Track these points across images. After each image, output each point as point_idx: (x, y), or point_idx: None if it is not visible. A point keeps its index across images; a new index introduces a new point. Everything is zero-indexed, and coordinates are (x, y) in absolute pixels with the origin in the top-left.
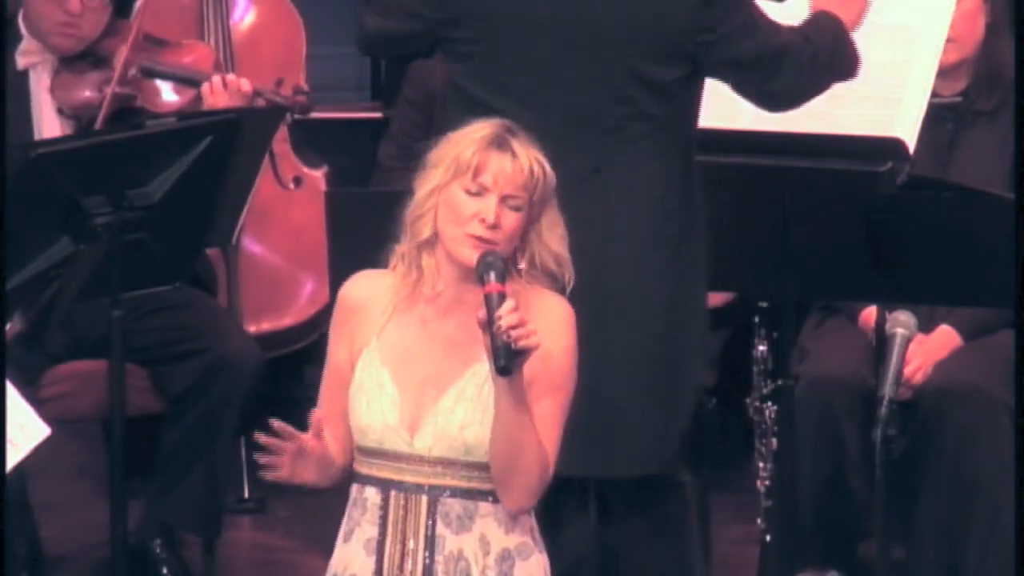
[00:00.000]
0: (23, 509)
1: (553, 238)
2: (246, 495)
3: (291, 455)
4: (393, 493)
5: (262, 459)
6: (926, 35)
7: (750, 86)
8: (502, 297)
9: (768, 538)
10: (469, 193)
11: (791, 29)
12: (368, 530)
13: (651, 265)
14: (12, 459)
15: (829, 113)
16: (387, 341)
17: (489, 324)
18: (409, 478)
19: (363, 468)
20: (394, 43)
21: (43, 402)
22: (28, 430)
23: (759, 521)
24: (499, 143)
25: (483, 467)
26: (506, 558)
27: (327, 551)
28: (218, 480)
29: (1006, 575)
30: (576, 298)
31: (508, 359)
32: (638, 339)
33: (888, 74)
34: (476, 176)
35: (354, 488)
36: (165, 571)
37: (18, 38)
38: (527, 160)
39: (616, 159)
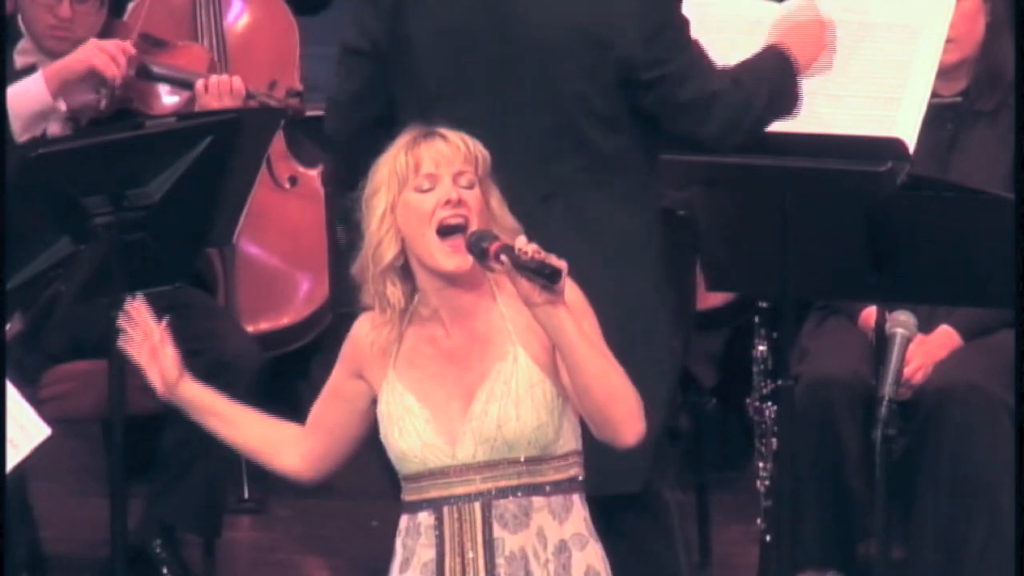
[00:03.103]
0: (23, 509)
1: (504, 213)
2: (246, 495)
3: (148, 341)
4: (446, 509)
5: (122, 321)
6: (926, 35)
7: (680, 128)
8: (509, 246)
9: (768, 538)
10: (422, 191)
11: (725, 74)
12: (425, 554)
13: (604, 285)
14: (12, 459)
15: (829, 113)
16: (403, 369)
17: (516, 262)
18: (459, 490)
19: (412, 495)
20: (358, 104)
21: (43, 402)
22: (28, 430)
23: (759, 521)
24: (424, 135)
25: (530, 461)
26: (563, 550)
27: (327, 551)
28: (218, 480)
29: (1006, 575)
30: None
31: (552, 269)
32: None
33: (888, 74)
34: (419, 171)
35: (404, 519)
36: (165, 571)
37: (18, 37)
38: (457, 138)
39: (565, 186)
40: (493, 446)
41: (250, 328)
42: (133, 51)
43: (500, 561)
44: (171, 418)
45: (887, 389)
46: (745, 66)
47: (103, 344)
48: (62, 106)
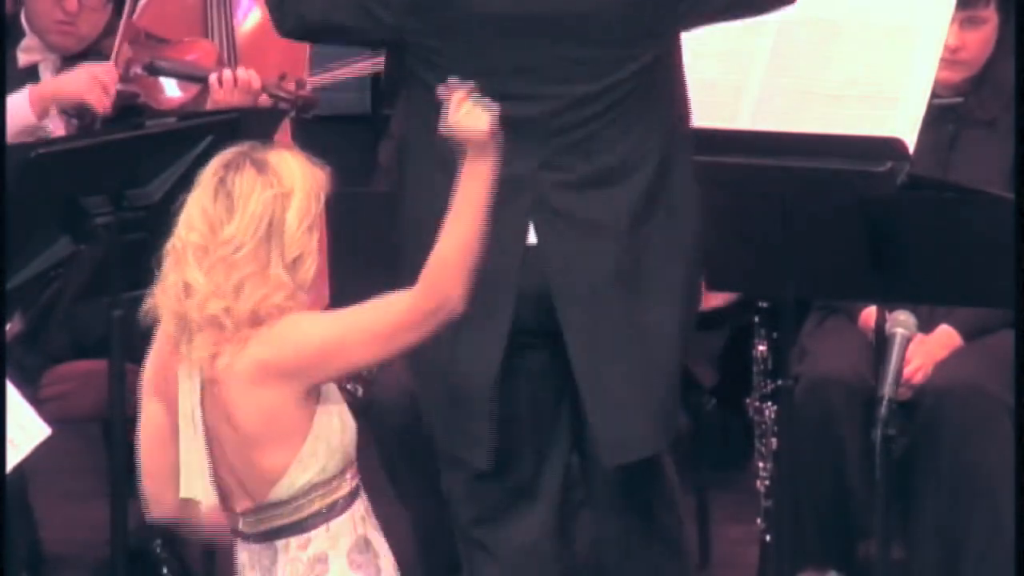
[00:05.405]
0: (23, 509)
1: None
2: None
3: None
4: None
5: None
6: (926, 35)
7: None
8: None
9: (768, 538)
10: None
11: None
12: None
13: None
14: (12, 459)
15: (829, 113)
16: None
17: None
18: None
19: None
20: (337, 35)
21: (43, 402)
22: (28, 430)
23: (759, 521)
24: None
25: None
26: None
27: None
28: None
29: (1006, 575)
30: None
31: None
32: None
33: (888, 74)
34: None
35: None
36: (165, 571)
37: (20, 36)
38: None
39: (604, 143)
40: None
41: None
42: (116, 80)
43: None
44: None
45: (887, 389)
46: None
47: (103, 344)
48: (49, 125)
